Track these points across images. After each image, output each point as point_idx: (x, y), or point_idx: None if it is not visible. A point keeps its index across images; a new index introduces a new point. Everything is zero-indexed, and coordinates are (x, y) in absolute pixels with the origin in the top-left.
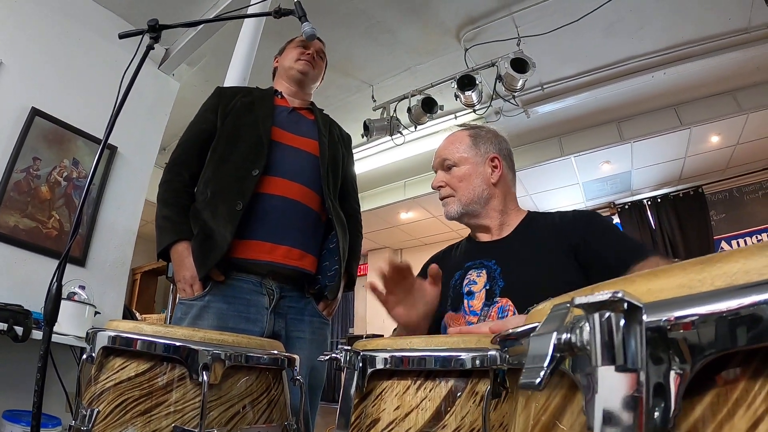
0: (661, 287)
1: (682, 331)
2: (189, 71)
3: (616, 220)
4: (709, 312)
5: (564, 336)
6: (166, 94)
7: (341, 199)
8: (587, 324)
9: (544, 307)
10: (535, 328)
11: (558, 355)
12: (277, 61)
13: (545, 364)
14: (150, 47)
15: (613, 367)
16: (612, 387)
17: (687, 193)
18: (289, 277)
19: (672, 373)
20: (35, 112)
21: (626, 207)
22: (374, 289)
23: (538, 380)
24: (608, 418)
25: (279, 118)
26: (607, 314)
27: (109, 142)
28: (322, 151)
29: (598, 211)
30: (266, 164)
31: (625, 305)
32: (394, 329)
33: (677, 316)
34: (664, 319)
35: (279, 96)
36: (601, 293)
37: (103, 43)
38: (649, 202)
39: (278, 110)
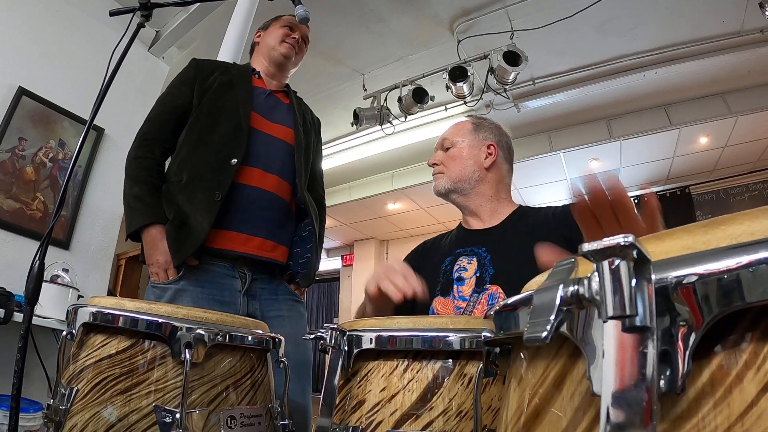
0: (666, 250)
1: (689, 289)
2: (179, 54)
3: None
4: (716, 270)
5: (571, 288)
6: (155, 77)
7: (308, 184)
8: (595, 275)
9: (540, 280)
10: (531, 296)
11: (565, 308)
12: (259, 36)
13: (552, 316)
14: (141, 25)
15: (620, 325)
16: (620, 346)
17: (674, 193)
18: (259, 263)
19: (680, 333)
20: (22, 92)
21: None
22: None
23: (544, 333)
24: (616, 379)
25: (257, 102)
26: (617, 262)
27: (96, 123)
28: (298, 141)
29: None
30: (244, 153)
31: (635, 252)
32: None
33: (684, 274)
34: (671, 276)
35: (257, 76)
36: (610, 238)
37: (92, 22)
38: (636, 201)
39: (256, 92)
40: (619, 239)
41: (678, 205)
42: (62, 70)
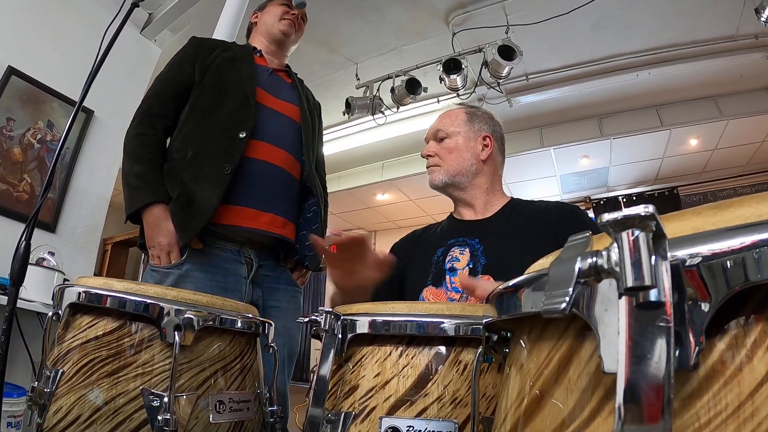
0: (676, 230)
1: (700, 267)
2: (171, 38)
3: (590, 215)
4: (727, 249)
5: (590, 260)
6: (146, 60)
7: None
8: (614, 246)
9: (544, 262)
10: (536, 276)
11: (582, 281)
12: (256, 17)
13: (570, 288)
14: (135, 5)
15: (634, 302)
16: (635, 322)
17: (662, 193)
18: (267, 245)
19: (692, 310)
20: (11, 71)
21: (601, 203)
22: (319, 245)
23: (563, 305)
24: (631, 356)
25: (261, 78)
26: (636, 233)
27: (85, 105)
28: (304, 117)
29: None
30: (252, 127)
31: (654, 225)
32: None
33: (695, 253)
34: (682, 254)
35: (258, 54)
36: (630, 209)
37: (85, 1)
38: (625, 200)
39: (259, 70)
40: (639, 209)
41: (666, 206)
42: (53, 50)
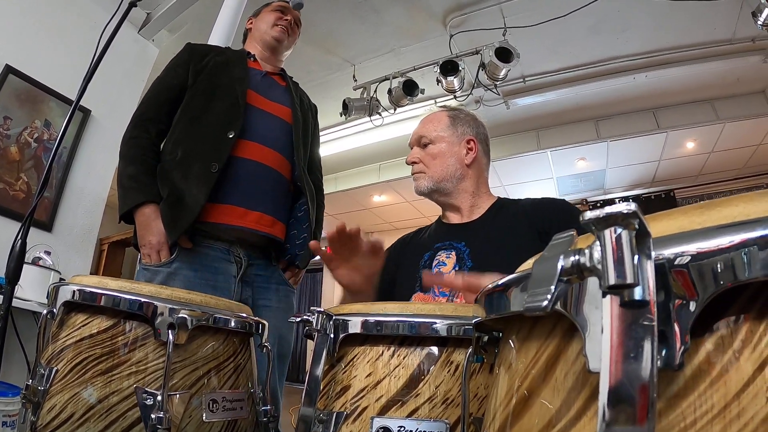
0: (662, 230)
1: (685, 266)
2: (169, 38)
3: None
4: (712, 248)
5: (572, 258)
6: (144, 60)
7: (307, 167)
8: (597, 244)
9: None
10: (525, 275)
11: (565, 279)
12: (251, 23)
13: (552, 286)
14: (132, 4)
15: (619, 300)
16: (619, 320)
17: (659, 196)
18: (256, 245)
19: (677, 310)
20: (9, 70)
21: (598, 205)
22: (316, 249)
23: (545, 302)
24: (615, 355)
25: (253, 81)
26: (619, 231)
27: (82, 104)
28: (296, 118)
29: None
30: (241, 127)
31: (637, 223)
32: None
33: (680, 252)
34: (667, 253)
35: (252, 59)
36: (612, 206)
37: (83, 0)
38: (621, 202)
39: (252, 73)
40: (621, 207)
41: (662, 208)
42: (50, 49)
